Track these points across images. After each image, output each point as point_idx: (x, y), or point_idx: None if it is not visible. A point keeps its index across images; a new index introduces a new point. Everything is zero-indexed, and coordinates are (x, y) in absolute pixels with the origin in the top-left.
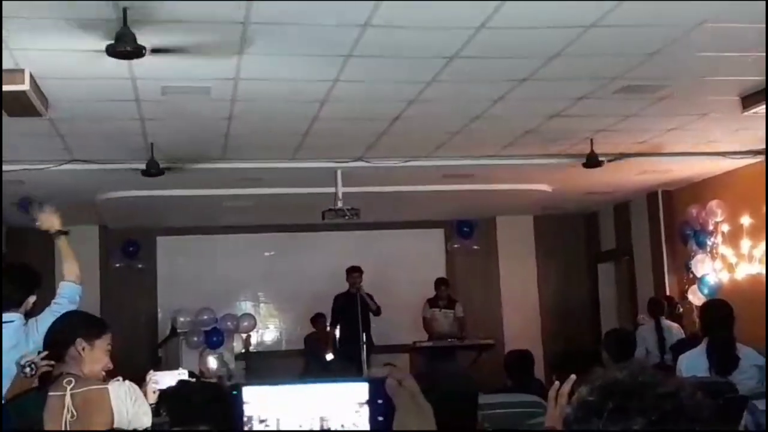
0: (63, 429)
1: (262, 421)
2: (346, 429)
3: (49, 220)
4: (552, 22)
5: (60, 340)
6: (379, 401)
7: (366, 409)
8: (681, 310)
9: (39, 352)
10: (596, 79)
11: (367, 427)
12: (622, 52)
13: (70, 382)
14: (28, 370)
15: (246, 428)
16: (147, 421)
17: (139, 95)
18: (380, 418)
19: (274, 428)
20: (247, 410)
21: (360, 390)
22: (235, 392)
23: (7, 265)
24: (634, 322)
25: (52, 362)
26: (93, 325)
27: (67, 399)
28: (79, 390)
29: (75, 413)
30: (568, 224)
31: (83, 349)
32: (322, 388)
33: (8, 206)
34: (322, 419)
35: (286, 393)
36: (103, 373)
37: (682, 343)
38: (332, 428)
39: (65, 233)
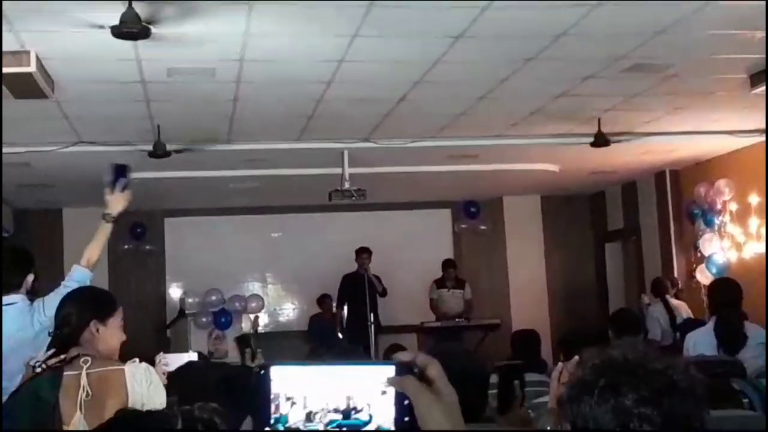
0: (78, 408)
1: (288, 399)
2: (371, 412)
3: (118, 202)
4: (558, 2)
5: (73, 323)
6: None
7: (392, 392)
8: (682, 288)
9: (50, 333)
10: (603, 58)
11: (392, 410)
12: (629, 30)
13: (87, 361)
14: (39, 371)
15: (273, 405)
16: (161, 404)
17: (145, 77)
18: (406, 402)
19: (301, 405)
20: (274, 388)
21: (387, 373)
22: (263, 371)
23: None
24: (638, 302)
25: (63, 357)
26: (104, 304)
27: (83, 378)
28: (96, 370)
29: (90, 392)
30: (575, 204)
31: (97, 330)
32: (348, 369)
33: (14, 188)
34: (348, 398)
35: (313, 373)
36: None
37: (688, 322)
38: (358, 407)
39: (116, 222)
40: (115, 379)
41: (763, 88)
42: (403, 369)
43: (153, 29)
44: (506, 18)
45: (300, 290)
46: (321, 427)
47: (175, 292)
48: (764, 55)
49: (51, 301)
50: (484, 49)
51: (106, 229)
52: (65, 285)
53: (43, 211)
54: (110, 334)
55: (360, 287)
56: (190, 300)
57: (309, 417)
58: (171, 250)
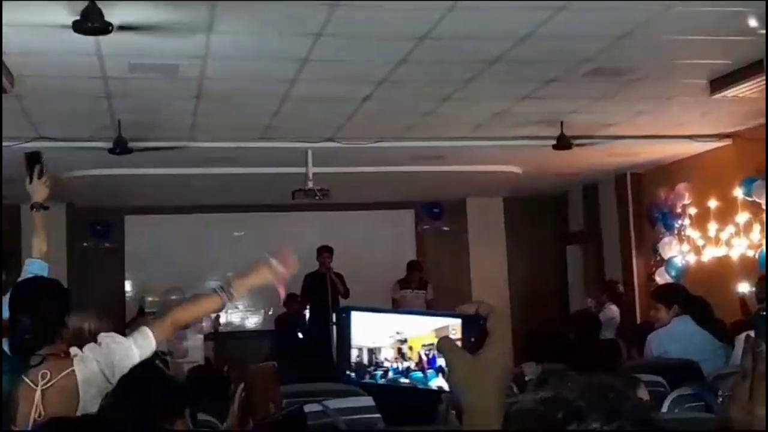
0: (30, 427)
1: (357, 351)
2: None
3: (38, 190)
4: (522, 4)
5: (54, 320)
6: (472, 339)
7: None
8: (622, 290)
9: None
10: (566, 62)
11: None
12: (592, 34)
13: (45, 375)
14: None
15: (349, 358)
16: (141, 356)
17: (106, 72)
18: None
19: (366, 356)
20: (352, 341)
21: (453, 326)
22: (344, 314)
23: None
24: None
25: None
26: (67, 294)
27: (37, 397)
28: (51, 383)
29: (43, 413)
30: (537, 206)
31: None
32: (412, 319)
33: None
34: (400, 342)
35: (375, 321)
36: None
37: (643, 326)
38: (408, 355)
39: (46, 208)
40: (67, 389)
41: (726, 92)
42: (470, 321)
43: (115, 25)
44: (470, 20)
45: (262, 290)
46: (380, 380)
47: (134, 290)
48: (726, 60)
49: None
50: (448, 50)
51: (40, 219)
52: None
53: (0, 207)
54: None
55: (322, 286)
56: (149, 299)
57: (371, 365)
58: (131, 247)
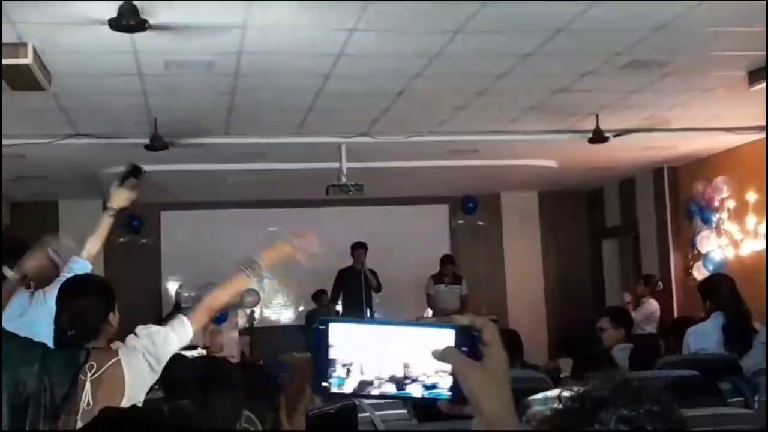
0: (79, 416)
1: (344, 365)
2: (425, 383)
3: (119, 197)
4: None
5: (93, 318)
6: (464, 349)
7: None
8: (661, 287)
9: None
10: (602, 55)
11: (449, 379)
12: (627, 26)
13: (92, 367)
14: None
15: (330, 370)
16: (176, 339)
17: (142, 69)
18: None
19: (359, 373)
20: (332, 353)
21: (446, 336)
22: (322, 326)
23: None
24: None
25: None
26: (112, 291)
27: (87, 387)
28: (98, 374)
29: (91, 403)
30: (572, 200)
31: (111, 320)
32: (407, 331)
33: (9, 180)
34: (405, 366)
35: (370, 334)
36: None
37: (683, 319)
38: (412, 376)
39: (113, 217)
40: (114, 379)
41: (762, 85)
42: (463, 332)
43: (150, 22)
44: (505, 13)
45: (296, 285)
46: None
47: (171, 285)
48: (763, 52)
49: (52, 292)
50: (483, 44)
51: (106, 223)
52: (65, 275)
53: (39, 203)
54: (117, 319)
55: (356, 282)
56: (185, 293)
57: (362, 386)
58: (167, 243)
